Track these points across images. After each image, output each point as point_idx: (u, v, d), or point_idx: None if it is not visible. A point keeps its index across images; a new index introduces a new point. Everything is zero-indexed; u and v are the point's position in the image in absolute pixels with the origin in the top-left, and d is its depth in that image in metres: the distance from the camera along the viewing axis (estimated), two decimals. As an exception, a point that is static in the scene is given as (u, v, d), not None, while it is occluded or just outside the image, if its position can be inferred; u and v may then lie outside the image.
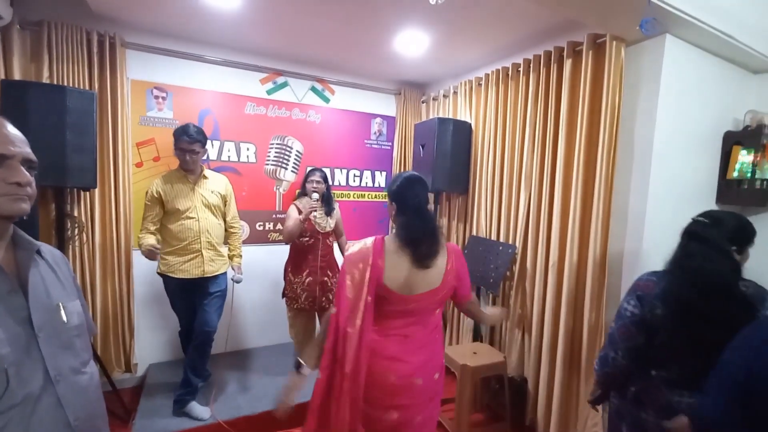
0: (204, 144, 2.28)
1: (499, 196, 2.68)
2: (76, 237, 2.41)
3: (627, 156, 2.01)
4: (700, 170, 2.16)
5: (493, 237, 2.73)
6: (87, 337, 0.91)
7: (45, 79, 2.26)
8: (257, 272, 3.13)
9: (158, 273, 2.33)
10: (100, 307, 2.54)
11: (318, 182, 2.75)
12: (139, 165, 2.68)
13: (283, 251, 3.26)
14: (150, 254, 2.09)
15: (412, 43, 2.60)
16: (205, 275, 2.29)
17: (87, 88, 2.38)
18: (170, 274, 2.26)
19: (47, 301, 0.81)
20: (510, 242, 2.58)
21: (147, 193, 2.25)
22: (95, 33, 2.41)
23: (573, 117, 2.17)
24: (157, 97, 2.70)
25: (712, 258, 1.15)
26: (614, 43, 1.93)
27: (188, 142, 2.19)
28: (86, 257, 2.47)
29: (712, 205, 2.24)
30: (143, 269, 2.75)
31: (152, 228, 2.23)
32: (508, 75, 2.60)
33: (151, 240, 2.16)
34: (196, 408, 2.28)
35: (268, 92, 3.05)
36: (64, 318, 0.83)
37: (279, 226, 3.18)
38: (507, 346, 2.60)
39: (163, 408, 2.30)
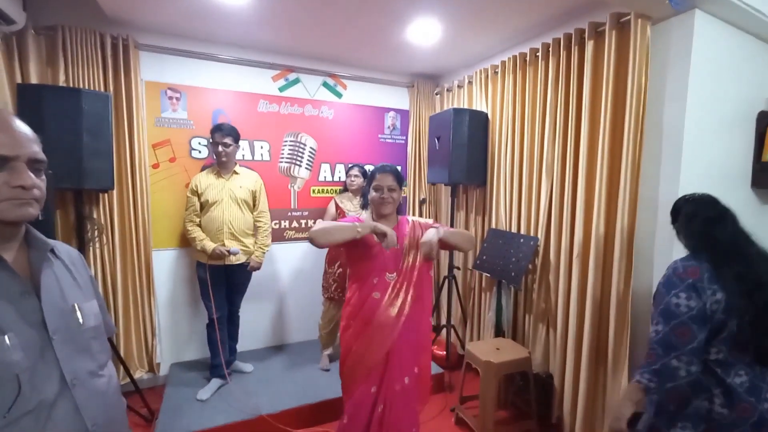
0: (236, 140, 2.47)
1: (519, 187, 2.60)
2: (96, 239, 2.44)
3: (655, 141, 1.91)
4: (734, 153, 2.05)
5: (513, 229, 2.65)
6: (104, 338, 0.89)
7: (61, 83, 2.28)
8: (273, 271, 3.13)
9: (196, 260, 2.54)
10: (122, 307, 2.57)
11: (356, 176, 2.79)
12: (155, 166, 2.69)
13: (299, 249, 3.26)
14: (219, 256, 2.35)
15: (424, 32, 2.53)
16: (228, 263, 2.42)
17: (102, 90, 2.40)
18: (201, 261, 2.46)
19: (62, 303, 0.79)
20: (532, 234, 2.50)
21: (188, 187, 2.51)
22: (109, 36, 2.42)
23: (596, 102, 2.07)
24: (171, 98, 2.70)
25: (741, 230, 1.23)
26: (639, 21, 1.83)
27: (221, 135, 2.39)
28: (107, 258, 2.50)
29: (747, 189, 2.12)
30: (163, 269, 2.78)
31: (197, 220, 2.45)
32: (525, 61, 2.51)
33: (209, 242, 2.38)
34: (241, 364, 2.74)
35: (281, 89, 3.03)
36: (80, 319, 0.81)
37: (295, 224, 3.16)
38: (531, 341, 2.53)
39: (186, 407, 2.31)
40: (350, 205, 2.82)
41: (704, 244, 1.22)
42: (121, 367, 2.40)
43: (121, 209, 2.55)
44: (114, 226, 2.52)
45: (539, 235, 2.42)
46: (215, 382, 2.48)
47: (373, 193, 1.62)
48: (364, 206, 1.77)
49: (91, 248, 2.42)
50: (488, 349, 2.29)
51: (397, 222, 1.70)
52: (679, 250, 1.76)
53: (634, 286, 1.93)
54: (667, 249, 1.86)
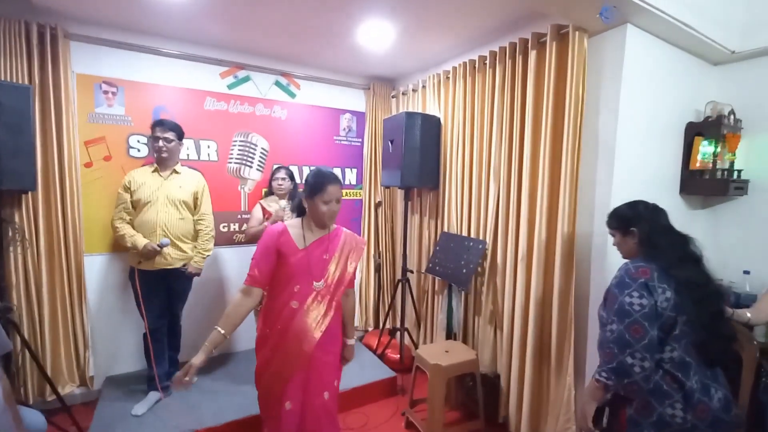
0: (179, 137, 2.35)
1: (469, 191, 2.64)
2: (18, 243, 2.23)
3: (592, 147, 1.99)
4: (664, 161, 2.17)
5: (464, 233, 2.69)
6: None
7: (-23, 74, 2.08)
8: (221, 277, 3.00)
9: (130, 265, 2.35)
10: (49, 317, 2.37)
11: (284, 179, 2.67)
12: (88, 165, 2.51)
13: (249, 254, 3.15)
14: (151, 252, 2.19)
15: (377, 34, 2.52)
16: (159, 267, 2.27)
17: (27, 83, 2.20)
18: (134, 266, 2.29)
19: None
20: (480, 237, 2.54)
21: (122, 183, 2.33)
22: (35, 24, 2.22)
23: (538, 109, 2.14)
24: (106, 92, 2.53)
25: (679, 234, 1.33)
26: (577, 33, 1.90)
27: (162, 129, 2.26)
28: (30, 265, 2.29)
29: (676, 195, 2.26)
30: (98, 275, 2.59)
31: (126, 218, 2.28)
32: (475, 67, 2.55)
33: (140, 238, 2.21)
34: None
35: (229, 87, 2.91)
36: None
37: (245, 227, 3.05)
38: (480, 342, 2.57)
39: (119, 424, 2.15)
40: (277, 207, 2.66)
41: (661, 250, 1.29)
42: (46, 383, 2.21)
43: (47, 211, 2.35)
44: (39, 229, 2.32)
45: (487, 239, 2.47)
46: (153, 396, 2.34)
47: (322, 207, 1.51)
48: (299, 213, 1.65)
49: (12, 254, 2.21)
50: (437, 352, 2.30)
51: (330, 231, 1.65)
52: (614, 254, 1.84)
53: (575, 287, 2.00)
54: (602, 252, 1.95)
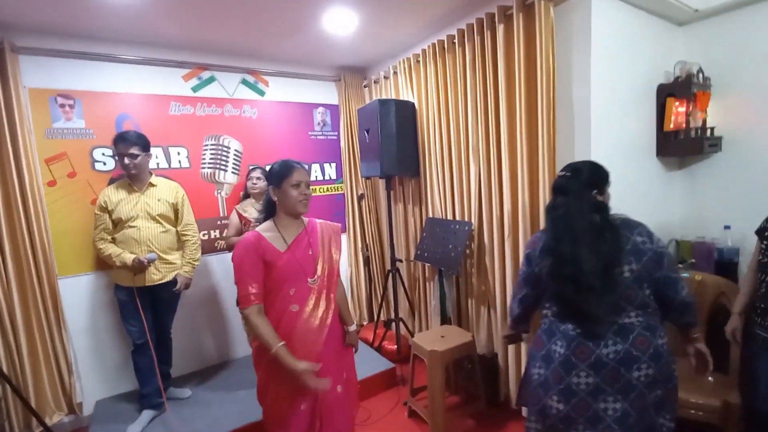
0: (146, 149, 2.23)
1: (450, 174, 2.61)
2: (-17, 273, 2.11)
3: (567, 118, 1.98)
4: (639, 125, 2.18)
5: (449, 217, 2.66)
6: None
7: None
8: (207, 285, 2.92)
9: (114, 282, 2.27)
10: (26, 346, 2.26)
11: (258, 178, 2.60)
12: (51, 184, 2.38)
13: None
14: (139, 266, 2.12)
15: (342, 23, 2.45)
16: (150, 284, 2.21)
17: (-27, 101, 2.07)
18: (120, 283, 2.21)
19: None
20: (466, 219, 2.52)
21: (96, 203, 2.23)
22: (-24, 38, 2.09)
23: (511, 84, 2.11)
24: (63, 106, 2.40)
25: (573, 205, 1.26)
26: (543, 3, 1.88)
27: (125, 145, 2.13)
28: (-1, 293, 2.18)
29: (653, 158, 2.27)
30: (76, 297, 2.48)
31: (108, 237, 2.21)
32: (444, 48, 2.51)
33: (127, 254, 2.14)
34: (176, 390, 2.52)
35: (194, 89, 2.81)
36: None
37: (226, 233, 2.96)
38: (475, 324, 2.56)
39: (112, 447, 2.08)
40: (254, 212, 2.58)
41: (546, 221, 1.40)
42: (31, 415, 2.12)
43: (12, 235, 2.23)
44: (5, 253, 2.20)
45: (473, 220, 2.45)
46: (147, 414, 2.26)
47: (293, 192, 1.45)
48: (268, 215, 1.56)
49: (-23, 284, 2.10)
50: (433, 338, 2.28)
51: (306, 223, 1.59)
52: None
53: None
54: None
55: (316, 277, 1.52)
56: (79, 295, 2.50)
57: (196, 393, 2.57)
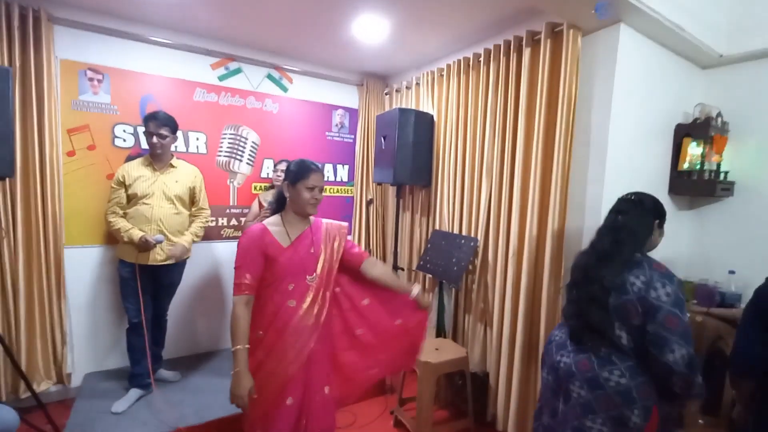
0: (174, 131, 2.29)
1: (461, 189, 2.64)
2: (-7, 233, 2.14)
3: (584, 146, 2.00)
4: (654, 161, 2.20)
5: (456, 230, 2.68)
6: None
7: (-47, 54, 1.99)
8: (208, 272, 2.94)
9: (119, 257, 2.29)
10: (25, 312, 2.27)
11: (283, 171, 2.64)
12: (70, 154, 2.42)
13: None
14: (145, 245, 2.13)
15: (372, 29, 2.50)
16: (153, 263, 2.22)
17: (6, 65, 2.11)
18: (124, 259, 2.22)
19: None
20: (472, 235, 2.53)
21: (114, 177, 2.27)
22: (16, 5, 2.15)
23: (532, 107, 2.14)
24: (91, 80, 2.45)
25: (632, 223, 1.34)
26: (571, 31, 1.91)
27: (156, 124, 2.19)
28: (6, 256, 2.20)
29: (664, 195, 2.29)
30: (78, 269, 2.50)
31: (120, 212, 2.22)
32: (469, 65, 2.55)
33: (136, 231, 2.16)
34: (166, 373, 2.53)
35: (220, 78, 2.86)
36: None
37: (234, 222, 2.99)
38: (470, 340, 2.56)
39: (97, 421, 2.08)
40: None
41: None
42: (21, 379, 2.12)
43: (26, 201, 2.26)
44: (17, 219, 2.23)
45: (479, 236, 2.46)
46: (134, 393, 2.26)
47: (306, 194, 1.49)
48: (278, 209, 1.58)
49: (-14, 244, 2.12)
50: (427, 350, 2.28)
51: (311, 222, 1.61)
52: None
53: (564, 285, 2.00)
54: (592, 249, 1.95)
55: (315, 275, 1.54)
56: (82, 266, 2.52)
57: (186, 378, 2.57)
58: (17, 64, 2.17)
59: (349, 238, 1.71)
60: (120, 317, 2.57)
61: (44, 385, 2.37)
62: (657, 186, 2.23)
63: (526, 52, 2.14)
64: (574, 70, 1.91)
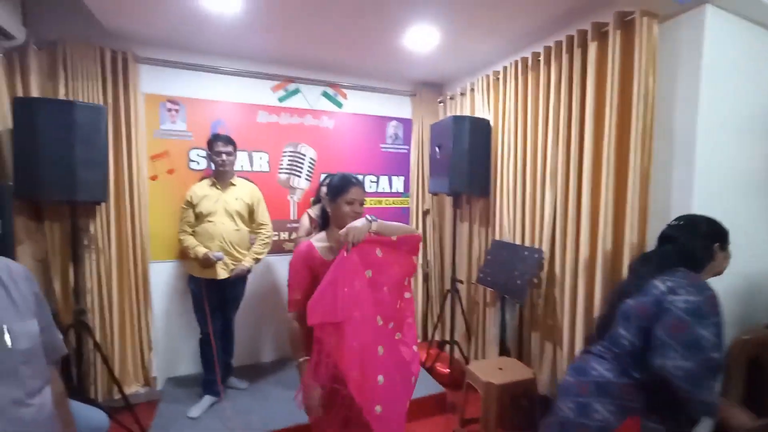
0: (235, 149, 2.47)
1: (522, 197, 2.48)
2: (92, 251, 2.43)
3: (666, 147, 1.78)
4: (755, 158, 1.89)
5: (518, 241, 2.52)
6: (40, 361, 0.82)
7: (61, 96, 2.31)
8: (271, 284, 3.07)
9: (188, 273, 2.48)
10: (117, 321, 2.54)
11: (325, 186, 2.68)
12: (153, 178, 2.69)
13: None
14: (206, 261, 2.30)
15: (422, 38, 2.47)
16: (217, 278, 2.35)
17: (102, 103, 2.41)
18: (193, 274, 2.41)
19: None
20: (536, 246, 2.37)
21: (184, 198, 2.48)
22: (108, 50, 2.44)
23: (600, 107, 1.96)
24: (170, 110, 2.71)
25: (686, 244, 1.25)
26: (645, 19, 1.72)
27: (222, 143, 2.39)
28: (102, 272, 2.48)
29: (766, 198, 1.95)
30: (160, 281, 2.75)
31: (189, 230, 2.41)
32: (527, 66, 2.41)
33: (201, 248, 2.33)
34: (236, 381, 2.67)
35: (280, 100, 3.01)
36: (8, 342, 0.74)
37: (294, 236, 3.11)
38: (537, 360, 2.38)
39: (176, 425, 2.25)
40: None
41: None
42: (113, 382, 2.38)
43: (118, 221, 2.54)
44: (111, 238, 2.50)
45: (544, 247, 2.29)
46: (207, 399, 2.42)
47: (345, 208, 1.48)
48: (324, 225, 1.57)
49: (87, 261, 2.42)
50: (490, 369, 2.16)
51: None
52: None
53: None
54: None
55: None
56: (164, 279, 2.77)
57: (254, 386, 2.69)
58: (110, 101, 2.46)
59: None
60: (195, 326, 2.77)
61: (134, 388, 2.62)
62: (757, 189, 1.92)
63: (592, 47, 1.97)
64: (651, 63, 1.72)
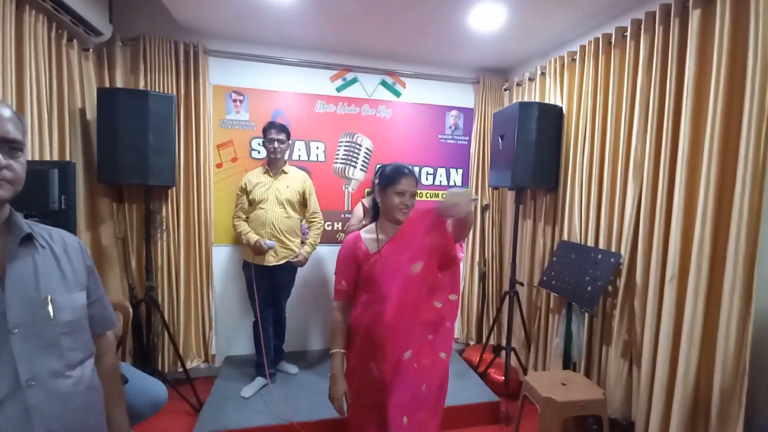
0: (289, 137, 2.48)
1: (598, 193, 2.20)
2: (163, 232, 2.61)
3: (792, 132, 1.43)
4: None
5: (590, 243, 2.25)
6: (84, 333, 0.84)
7: (141, 88, 2.49)
8: (324, 273, 3.08)
9: (243, 258, 2.56)
10: (183, 299, 2.72)
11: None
12: (219, 166, 2.82)
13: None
14: (257, 249, 2.34)
15: (487, 19, 2.28)
16: (267, 264, 2.40)
17: (172, 93, 2.56)
18: (246, 259, 2.49)
19: (32, 294, 0.74)
20: (613, 249, 2.08)
21: (239, 185, 2.54)
22: (182, 43, 2.59)
23: (703, 87, 1.65)
24: (235, 101, 2.82)
25: None
26: (770, -25, 1.39)
27: (276, 131, 2.41)
28: (172, 251, 2.66)
29: None
30: (221, 264, 2.89)
31: (243, 216, 2.48)
32: (610, 43, 2.12)
33: (253, 234, 2.38)
34: (287, 365, 2.73)
35: (338, 89, 2.99)
36: (51, 313, 0.76)
37: (348, 223, 3.09)
38: (609, 379, 2.10)
39: (229, 402, 2.34)
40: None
41: None
42: (175, 355, 2.55)
43: (186, 205, 2.70)
44: (179, 220, 2.67)
45: (623, 251, 2.01)
46: (258, 381, 2.49)
47: (395, 199, 1.43)
48: (375, 216, 1.53)
49: (158, 241, 2.60)
50: (552, 383, 1.94)
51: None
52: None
53: (755, 322, 1.47)
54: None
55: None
56: (224, 262, 2.90)
57: (303, 372, 2.73)
58: (182, 91, 2.61)
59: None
60: (250, 310, 2.88)
61: (195, 362, 2.79)
62: None
63: (694, 15, 1.66)
64: (774, 29, 1.39)
